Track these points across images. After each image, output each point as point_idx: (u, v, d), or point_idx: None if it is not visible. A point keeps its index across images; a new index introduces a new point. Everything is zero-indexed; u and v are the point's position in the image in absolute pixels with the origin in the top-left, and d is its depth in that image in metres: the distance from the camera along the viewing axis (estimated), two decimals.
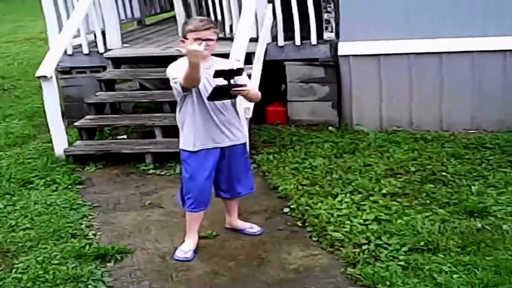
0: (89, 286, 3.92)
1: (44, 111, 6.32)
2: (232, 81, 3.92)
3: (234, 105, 4.18)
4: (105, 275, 4.04)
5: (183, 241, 4.32)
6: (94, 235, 4.64)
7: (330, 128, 6.72)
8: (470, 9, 6.22)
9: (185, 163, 4.19)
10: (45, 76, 5.80)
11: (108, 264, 4.20)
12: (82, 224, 4.81)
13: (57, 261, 4.19)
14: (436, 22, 6.31)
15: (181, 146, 4.20)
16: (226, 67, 3.98)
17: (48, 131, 6.32)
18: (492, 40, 6.23)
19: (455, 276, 3.73)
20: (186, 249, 4.25)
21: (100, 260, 4.23)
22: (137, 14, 9.03)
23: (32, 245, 4.47)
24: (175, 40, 7.61)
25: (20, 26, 16.88)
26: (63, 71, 7.21)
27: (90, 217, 4.96)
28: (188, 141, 4.12)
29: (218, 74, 3.83)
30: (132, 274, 4.07)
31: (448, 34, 6.30)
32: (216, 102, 4.00)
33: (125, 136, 6.70)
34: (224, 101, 4.04)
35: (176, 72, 3.94)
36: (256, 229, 4.54)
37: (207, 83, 3.95)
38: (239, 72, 3.94)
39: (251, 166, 4.75)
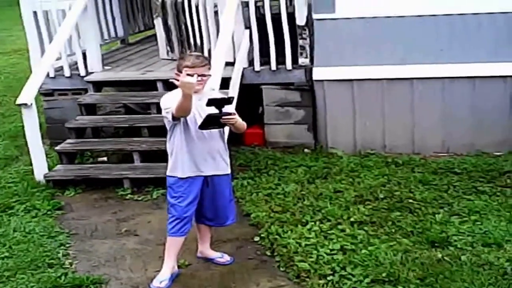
0: None
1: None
2: (223, 110, 4.10)
3: (221, 135, 4.38)
4: None
5: (159, 270, 4.48)
6: (71, 264, 4.80)
7: (305, 150, 6.91)
8: (437, 40, 6.41)
9: (170, 189, 4.38)
10: (25, 104, 5.94)
11: None
12: (59, 253, 4.96)
13: None
14: (406, 50, 6.51)
15: (168, 172, 4.39)
16: (218, 96, 4.18)
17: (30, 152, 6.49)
18: (460, 66, 6.43)
19: None
20: (161, 278, 4.40)
21: None
22: (120, 33, 9.18)
23: (9, 275, 4.62)
24: (156, 62, 7.82)
25: (9, 36, 16.96)
26: (45, 93, 7.35)
27: (67, 245, 5.11)
28: (175, 167, 4.32)
29: (210, 102, 4.03)
30: None
31: (417, 61, 6.49)
32: (204, 131, 4.20)
33: (105, 158, 6.86)
34: (211, 130, 4.23)
35: (169, 102, 4.15)
36: (226, 258, 4.71)
37: (197, 113, 4.17)
38: (229, 101, 4.15)
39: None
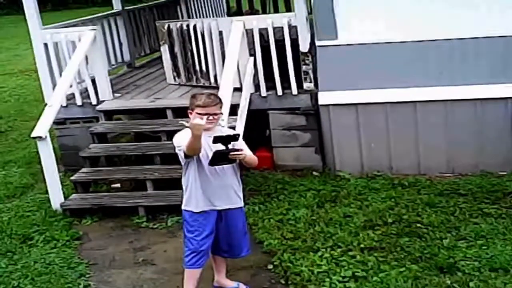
0: None
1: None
2: (230, 146, 4.28)
3: (234, 170, 4.54)
4: None
5: None
6: None
7: (314, 173, 7.08)
8: (438, 63, 6.61)
9: (185, 223, 4.56)
10: (40, 137, 6.13)
11: None
12: (80, 284, 5.14)
13: None
14: (407, 73, 6.68)
15: (183, 207, 4.57)
16: (224, 134, 4.37)
17: (45, 180, 6.67)
18: (461, 89, 6.61)
19: None
20: None
21: None
22: (127, 57, 9.39)
23: None
24: (164, 88, 8.01)
25: (15, 55, 17.22)
26: (57, 122, 7.53)
27: (87, 275, 5.29)
28: (190, 202, 4.50)
29: (216, 140, 4.22)
30: None
31: (419, 84, 6.67)
32: (216, 167, 4.37)
33: (118, 185, 7.03)
34: (224, 166, 4.40)
35: (180, 140, 4.33)
36: (242, 287, 4.88)
37: (209, 150, 4.33)
38: (235, 138, 4.33)
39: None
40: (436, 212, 5.89)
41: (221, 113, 4.55)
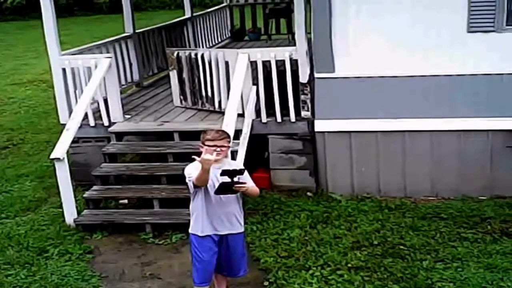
0: None
1: (53, 171, 7.25)
2: (236, 179, 4.79)
3: (237, 200, 5.07)
4: None
5: None
6: None
7: (308, 193, 7.64)
8: (425, 97, 7.19)
9: (193, 245, 5.09)
10: (58, 158, 6.69)
11: None
12: None
13: None
14: (397, 105, 7.25)
15: (190, 231, 5.10)
16: (231, 168, 4.89)
17: (58, 193, 7.23)
18: (445, 121, 7.18)
19: None
20: None
21: None
22: (136, 77, 9.95)
23: None
24: (171, 110, 8.56)
25: (23, 64, 17.71)
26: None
27: None
28: (196, 227, 5.04)
29: (224, 173, 4.75)
30: None
31: (407, 116, 7.24)
32: (221, 196, 4.90)
33: (125, 201, 7.59)
34: (228, 196, 4.93)
35: (191, 172, 4.88)
36: None
37: (216, 180, 4.85)
38: (241, 172, 4.85)
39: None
40: (418, 235, 6.45)
41: (229, 146, 5.07)
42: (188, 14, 12.33)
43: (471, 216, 6.81)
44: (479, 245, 6.18)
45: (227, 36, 14.26)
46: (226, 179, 4.78)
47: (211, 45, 13.07)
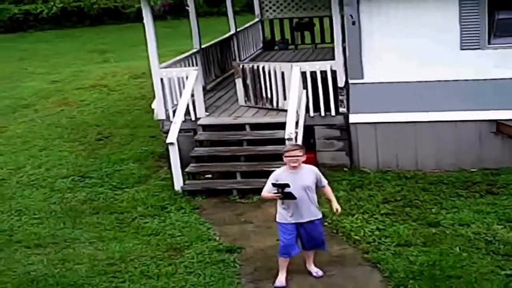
0: (230, 265, 7.54)
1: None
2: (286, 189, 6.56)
3: (312, 198, 6.86)
4: (236, 260, 7.67)
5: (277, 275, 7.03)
6: (219, 239, 8.27)
7: (345, 169, 10.39)
8: (429, 97, 9.94)
9: (280, 231, 6.92)
10: (172, 143, 9.47)
11: (234, 255, 7.83)
12: (210, 233, 8.43)
13: (208, 254, 7.82)
14: (411, 103, 10.01)
15: (277, 219, 6.93)
16: (277, 183, 6.62)
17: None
18: (446, 114, 9.93)
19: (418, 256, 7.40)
20: (279, 283, 7.00)
21: (229, 252, 7.86)
22: (201, 82, 12.63)
23: (185, 246, 8.10)
24: (238, 108, 11.29)
25: (79, 71, 20.14)
26: (165, 132, 10.82)
27: (212, 229, 8.57)
28: (282, 216, 6.86)
29: (274, 185, 6.62)
30: (250, 261, 7.68)
31: (418, 109, 10.00)
32: (300, 194, 6.66)
33: (210, 175, 10.33)
34: (307, 192, 6.76)
35: (271, 178, 6.78)
36: (320, 273, 7.17)
37: (295, 182, 6.63)
38: (287, 185, 6.55)
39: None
40: (428, 194, 9.18)
41: (302, 156, 6.69)
42: (232, 30, 15.04)
43: (465, 181, 9.53)
44: (470, 199, 8.91)
45: (260, 46, 16.92)
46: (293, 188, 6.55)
47: (249, 54, 15.74)
